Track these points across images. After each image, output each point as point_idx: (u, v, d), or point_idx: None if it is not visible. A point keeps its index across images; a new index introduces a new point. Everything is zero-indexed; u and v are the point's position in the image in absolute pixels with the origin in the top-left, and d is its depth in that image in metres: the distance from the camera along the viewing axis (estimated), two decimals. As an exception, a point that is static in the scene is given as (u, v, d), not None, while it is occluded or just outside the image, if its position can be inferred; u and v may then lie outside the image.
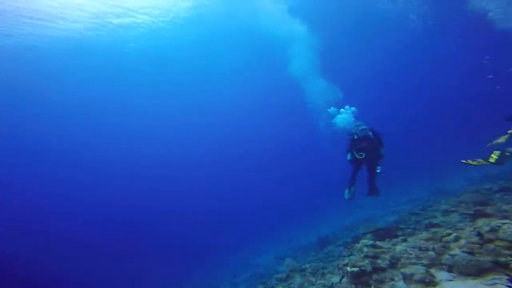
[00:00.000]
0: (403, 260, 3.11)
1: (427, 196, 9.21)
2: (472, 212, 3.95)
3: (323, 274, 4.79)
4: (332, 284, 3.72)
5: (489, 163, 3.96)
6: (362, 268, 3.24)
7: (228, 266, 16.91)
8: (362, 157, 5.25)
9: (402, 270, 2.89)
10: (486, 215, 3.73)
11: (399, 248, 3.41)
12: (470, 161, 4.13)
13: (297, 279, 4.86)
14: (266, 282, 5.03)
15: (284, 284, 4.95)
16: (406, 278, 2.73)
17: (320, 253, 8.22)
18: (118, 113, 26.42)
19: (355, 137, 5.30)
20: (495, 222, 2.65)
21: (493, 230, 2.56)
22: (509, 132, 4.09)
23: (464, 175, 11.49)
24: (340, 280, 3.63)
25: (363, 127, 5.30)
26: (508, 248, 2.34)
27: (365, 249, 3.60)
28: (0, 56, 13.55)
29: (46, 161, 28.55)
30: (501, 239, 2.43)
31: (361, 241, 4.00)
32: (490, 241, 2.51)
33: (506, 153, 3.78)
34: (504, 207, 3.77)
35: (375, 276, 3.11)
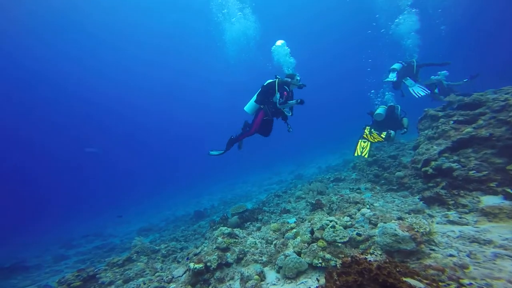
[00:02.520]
0: (248, 256, 3.03)
1: (291, 179, 11.21)
2: (313, 201, 4.66)
3: (174, 260, 4.32)
4: (172, 278, 3.24)
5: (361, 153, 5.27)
6: (208, 264, 2.90)
7: (71, 232, 13.86)
8: (290, 115, 4.66)
9: (243, 269, 2.76)
10: (321, 206, 4.50)
11: (250, 240, 3.36)
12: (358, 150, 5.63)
13: (139, 265, 4.07)
14: (85, 269, 3.86)
15: (116, 270, 4.01)
16: (243, 280, 2.60)
17: (190, 228, 7.98)
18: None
19: (291, 88, 4.56)
20: (325, 219, 2.96)
21: (322, 227, 2.82)
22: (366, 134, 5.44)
23: (316, 164, 15.10)
24: (182, 274, 3.20)
25: (299, 77, 4.63)
26: (324, 249, 2.58)
27: (219, 239, 3.31)
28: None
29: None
30: (323, 239, 2.68)
31: (220, 227, 3.74)
32: (317, 239, 2.75)
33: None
34: (333, 198, 4.69)
35: (217, 274, 2.85)
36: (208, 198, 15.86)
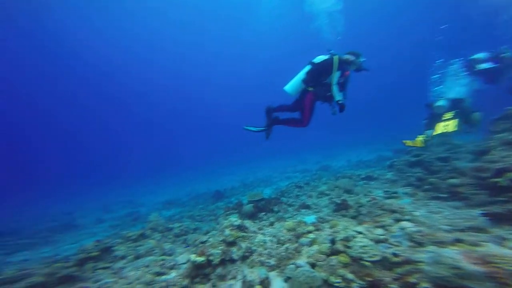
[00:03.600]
0: (255, 256, 2.68)
1: (316, 170, 10.47)
2: (339, 201, 4.06)
3: (183, 242, 4.25)
4: (174, 264, 3.11)
5: (417, 145, 4.50)
6: (210, 258, 2.65)
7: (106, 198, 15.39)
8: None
9: (247, 270, 2.43)
10: (347, 207, 3.90)
11: (260, 237, 3.00)
12: (408, 142, 4.74)
13: (151, 242, 4.10)
14: (102, 240, 4.00)
15: (130, 245, 4.09)
16: (245, 284, 2.27)
17: (208, 208, 8.04)
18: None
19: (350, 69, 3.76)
20: (352, 230, 2.41)
21: (347, 239, 2.30)
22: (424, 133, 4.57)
23: (346, 156, 13.94)
24: (185, 262, 3.04)
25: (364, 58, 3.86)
26: (346, 266, 2.08)
27: (227, 232, 3.03)
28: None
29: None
30: (346, 253, 2.17)
31: (230, 218, 3.46)
32: (338, 252, 2.24)
33: (427, 138, 4.54)
34: (363, 200, 4.02)
35: (219, 270, 2.59)
36: (229, 178, 16.05)
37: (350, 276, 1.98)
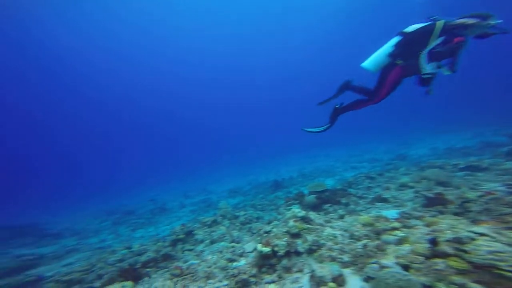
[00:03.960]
0: (324, 250, 2.38)
1: (389, 159, 8.91)
2: (431, 195, 3.21)
3: (248, 230, 4.34)
4: (243, 252, 3.14)
5: None
6: (275, 248, 2.52)
7: (184, 186, 17.62)
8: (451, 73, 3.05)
9: (316, 265, 2.16)
10: (444, 202, 3.03)
11: (328, 230, 2.67)
12: None
13: (222, 229, 4.38)
14: (186, 224, 4.53)
15: (206, 230, 4.50)
16: (313, 279, 2.01)
17: (268, 197, 8.08)
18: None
19: (469, 34, 2.85)
20: (466, 230, 1.78)
21: (459, 240, 1.70)
22: None
23: (427, 143, 11.35)
24: (252, 251, 3.03)
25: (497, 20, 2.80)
26: (463, 273, 1.52)
27: (291, 223, 2.84)
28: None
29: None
30: (462, 258, 1.59)
31: (293, 208, 3.24)
32: (445, 255, 1.68)
33: None
34: (469, 194, 3.04)
35: (285, 261, 2.42)
36: (287, 168, 15.79)
37: (474, 286, 1.45)
